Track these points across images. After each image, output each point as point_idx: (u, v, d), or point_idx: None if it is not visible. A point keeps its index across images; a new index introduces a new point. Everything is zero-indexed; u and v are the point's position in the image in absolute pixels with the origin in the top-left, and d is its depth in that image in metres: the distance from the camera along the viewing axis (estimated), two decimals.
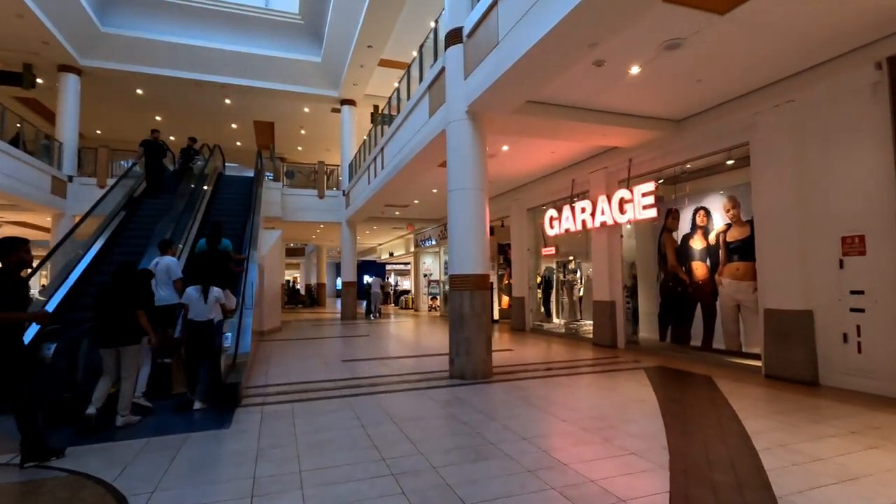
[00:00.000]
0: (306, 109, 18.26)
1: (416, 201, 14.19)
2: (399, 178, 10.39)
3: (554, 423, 4.27)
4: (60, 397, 4.44)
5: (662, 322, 8.62)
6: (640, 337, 9.03)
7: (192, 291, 5.27)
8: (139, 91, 16.45)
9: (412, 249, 22.74)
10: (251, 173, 15.29)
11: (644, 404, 4.88)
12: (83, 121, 15.49)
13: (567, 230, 9.96)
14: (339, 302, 29.14)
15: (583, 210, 9.43)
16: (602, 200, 8.88)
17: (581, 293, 11.43)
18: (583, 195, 9.89)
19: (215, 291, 5.33)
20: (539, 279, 12.45)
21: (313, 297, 27.49)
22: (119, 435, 4.10)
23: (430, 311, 20.04)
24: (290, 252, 34.70)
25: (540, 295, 12.44)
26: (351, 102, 17.04)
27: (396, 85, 11.37)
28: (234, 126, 20.12)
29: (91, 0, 12.98)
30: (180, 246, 8.45)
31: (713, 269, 7.59)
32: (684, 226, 8.12)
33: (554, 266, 12.32)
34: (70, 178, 14.25)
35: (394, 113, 11.21)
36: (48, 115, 16.19)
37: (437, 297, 19.88)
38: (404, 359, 8.02)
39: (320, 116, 18.72)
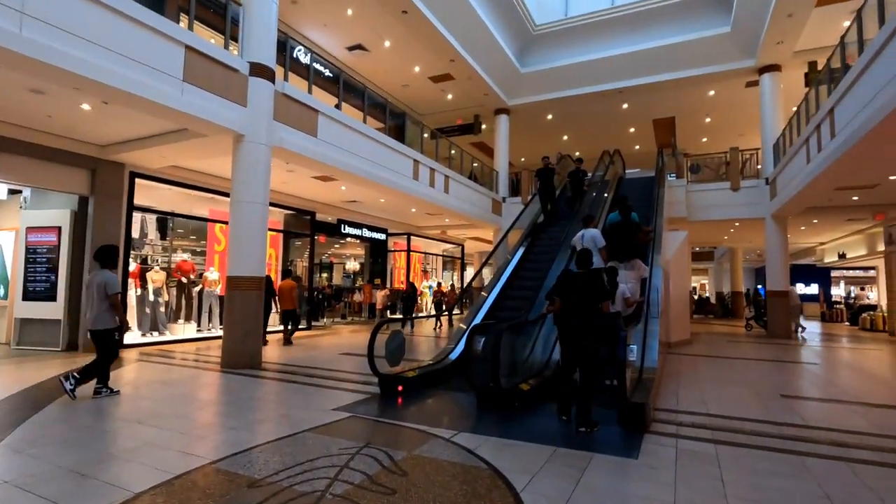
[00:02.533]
0: (711, 93, 16.01)
1: (892, 178, 9.80)
2: (864, 146, 7.23)
3: None
4: (486, 386, 4.99)
5: None
6: None
7: None
8: (549, 116, 18.63)
9: (880, 248, 16.18)
10: (652, 174, 14.56)
11: None
12: (511, 152, 18.80)
13: None
14: None
15: None
16: None
17: None
18: None
19: (621, 288, 6.07)
20: None
21: (726, 307, 23.92)
22: (536, 434, 4.18)
23: None
24: (696, 256, 31.54)
25: None
26: (773, 68, 13.72)
27: (848, 25, 8.07)
28: (631, 130, 19.96)
29: (514, 51, 15.50)
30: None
31: None
32: None
33: None
34: (503, 199, 17.49)
35: (849, 62, 8.03)
36: (490, 152, 20.52)
37: None
38: (892, 410, 5.31)
39: (730, 97, 16.03)
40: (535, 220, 11.30)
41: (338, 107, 10.14)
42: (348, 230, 15.54)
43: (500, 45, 14.26)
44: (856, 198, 11.78)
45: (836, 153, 8.01)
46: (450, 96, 16.91)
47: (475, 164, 17.89)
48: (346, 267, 24.44)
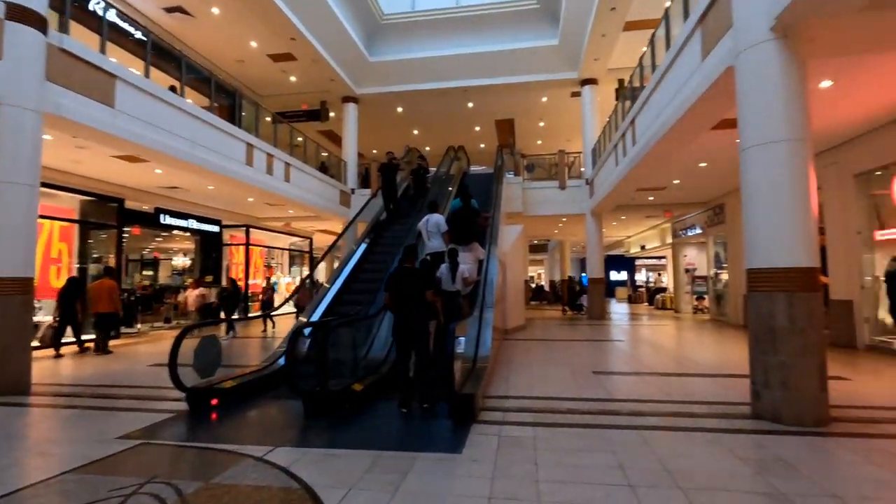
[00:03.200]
0: (544, 99, 17.55)
1: (676, 182, 11.77)
2: (655, 153, 8.50)
3: None
4: (312, 391, 4.58)
5: None
6: None
7: (443, 268, 6.36)
8: (399, 109, 18.57)
9: (669, 241, 19.62)
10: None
11: None
12: (362, 143, 18.30)
13: None
14: (584, 299, 27.64)
15: None
16: None
17: None
18: None
19: (461, 268, 6.37)
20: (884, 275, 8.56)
21: (557, 294, 26.77)
22: (364, 439, 3.91)
23: (695, 312, 16.79)
24: (534, 248, 34.83)
25: (886, 300, 8.54)
26: (592, 81, 15.52)
27: (645, 49, 9.43)
28: (477, 129, 20.96)
29: (361, 37, 15.00)
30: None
31: None
32: None
33: None
34: (353, 191, 16.96)
35: (646, 83, 9.36)
36: (340, 141, 19.74)
37: (705, 296, 16.48)
38: (674, 377, 6.26)
39: (559, 104, 17.77)
40: (378, 217, 10.87)
41: (167, 80, 8.61)
42: (169, 221, 13.50)
43: (345, 28, 13.65)
44: (651, 198, 13.96)
45: (635, 159, 9.28)
46: (293, 78, 15.75)
47: (325, 154, 17.04)
48: (174, 264, 21.44)
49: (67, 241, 10.72)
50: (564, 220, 17.50)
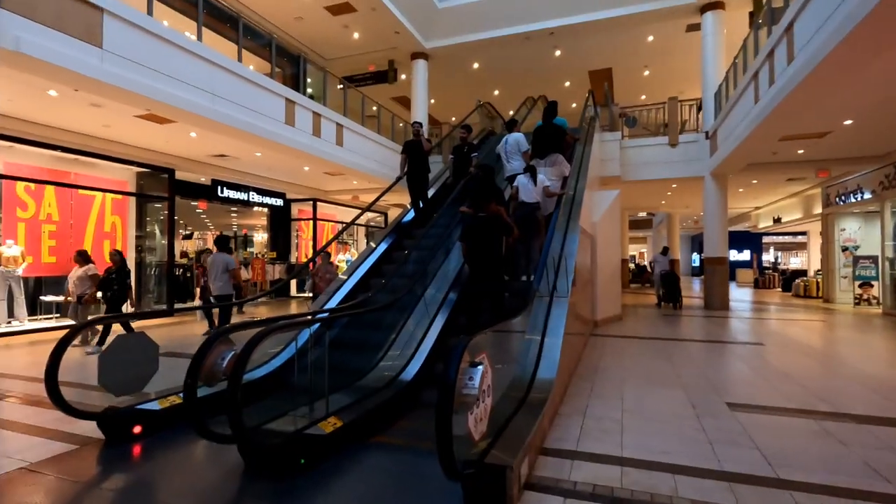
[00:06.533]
0: (650, 38, 14.24)
1: (847, 122, 8.34)
2: (827, 68, 5.53)
3: None
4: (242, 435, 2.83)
5: None
6: None
7: (522, 178, 6.11)
8: (475, 65, 16.36)
9: (817, 211, 15.39)
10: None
11: None
12: (436, 107, 16.40)
13: None
14: (696, 283, 23.62)
15: None
16: None
17: None
18: None
19: (540, 178, 6.13)
20: None
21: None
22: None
23: (856, 304, 12.79)
24: (635, 224, 30.79)
25: None
26: (717, 6, 12.06)
27: None
28: (566, 84, 18.04)
29: None
30: None
31: None
32: None
33: None
34: None
35: None
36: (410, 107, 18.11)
37: (874, 283, 12.45)
38: (875, 427, 3.65)
39: (670, 44, 14.36)
40: (400, 219, 7.96)
41: (200, 34, 7.44)
42: (228, 193, 12.81)
43: None
44: (801, 151, 10.43)
45: (793, 81, 6.29)
46: (356, 35, 14.22)
47: (401, 125, 15.57)
48: (256, 240, 21.80)
49: (121, 214, 10.32)
50: (675, 185, 14.29)
